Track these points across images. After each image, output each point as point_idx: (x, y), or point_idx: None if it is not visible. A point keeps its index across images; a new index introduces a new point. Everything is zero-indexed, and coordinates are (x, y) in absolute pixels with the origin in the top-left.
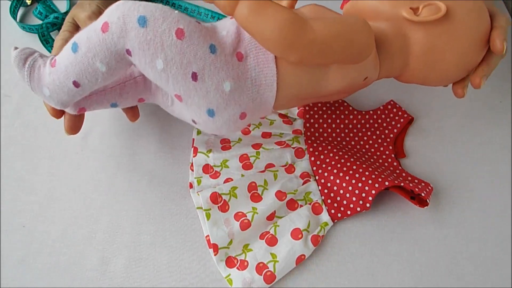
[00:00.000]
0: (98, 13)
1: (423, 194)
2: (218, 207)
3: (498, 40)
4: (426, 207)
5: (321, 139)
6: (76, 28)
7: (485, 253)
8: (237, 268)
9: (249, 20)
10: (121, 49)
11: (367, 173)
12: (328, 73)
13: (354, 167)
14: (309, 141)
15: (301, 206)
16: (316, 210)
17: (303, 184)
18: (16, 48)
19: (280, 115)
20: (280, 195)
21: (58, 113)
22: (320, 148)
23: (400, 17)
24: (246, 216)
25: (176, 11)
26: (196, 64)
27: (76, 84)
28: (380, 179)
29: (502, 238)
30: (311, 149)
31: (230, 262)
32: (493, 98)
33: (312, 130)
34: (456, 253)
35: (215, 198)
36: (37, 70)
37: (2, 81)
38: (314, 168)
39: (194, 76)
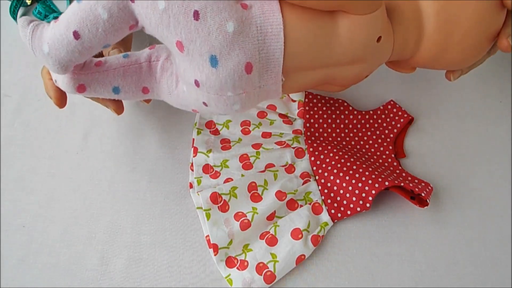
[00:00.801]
0: None
1: (423, 194)
2: (218, 207)
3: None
4: (426, 207)
5: (321, 139)
6: None
7: (485, 253)
8: (237, 268)
9: None
10: None
11: (367, 173)
12: (338, 30)
13: (354, 167)
14: (309, 141)
15: (301, 206)
16: (316, 210)
17: (303, 184)
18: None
19: (280, 115)
20: (280, 195)
21: (62, 101)
22: (320, 148)
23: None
24: (246, 216)
25: None
26: (198, 2)
27: (76, 34)
28: (380, 179)
29: (502, 238)
30: (311, 149)
31: (230, 262)
32: (493, 98)
33: (312, 130)
34: (456, 253)
35: (215, 198)
36: (40, 29)
37: (2, 81)
38: (314, 168)
39: (196, 15)
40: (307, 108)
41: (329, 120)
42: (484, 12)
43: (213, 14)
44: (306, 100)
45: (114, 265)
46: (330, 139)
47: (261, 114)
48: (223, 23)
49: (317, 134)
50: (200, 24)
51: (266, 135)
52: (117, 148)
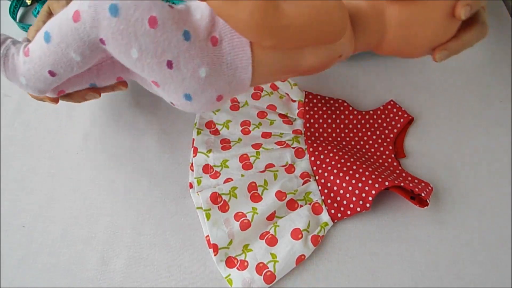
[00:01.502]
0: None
1: (423, 194)
2: (218, 207)
3: (461, 8)
4: (426, 207)
5: (321, 139)
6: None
7: (485, 253)
8: (237, 268)
9: (221, 6)
10: (94, 39)
11: (367, 173)
12: (303, 53)
13: (354, 167)
14: (309, 141)
15: (301, 206)
16: (316, 210)
17: (303, 184)
18: None
19: (280, 115)
20: (280, 195)
21: (55, 99)
22: (320, 148)
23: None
24: (246, 216)
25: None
26: (170, 53)
27: (51, 73)
28: (380, 179)
29: (502, 238)
30: (311, 149)
31: (230, 262)
32: (493, 98)
33: (312, 130)
34: (456, 253)
35: (215, 198)
36: (11, 59)
37: (2, 81)
38: (314, 168)
39: (170, 64)
40: (307, 108)
41: (329, 120)
42: (441, 30)
43: (186, 62)
44: (306, 100)
45: (114, 265)
46: (330, 139)
47: (261, 114)
48: (196, 70)
49: (317, 134)
50: (174, 72)
51: (266, 135)
52: (117, 148)
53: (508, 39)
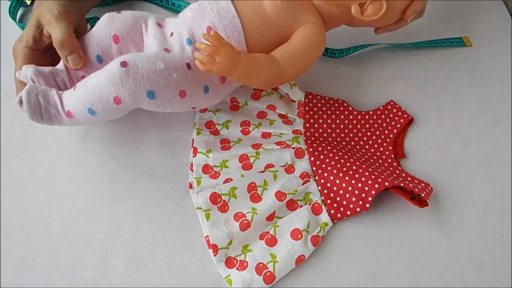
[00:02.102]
0: (65, 13)
1: (423, 195)
2: (217, 207)
3: (409, 15)
4: (426, 207)
5: (321, 139)
6: (39, 35)
7: (485, 253)
8: (237, 268)
9: (246, 79)
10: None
11: (367, 173)
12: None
13: (354, 167)
14: (309, 141)
15: (301, 206)
16: (315, 211)
17: (302, 184)
18: (21, 100)
19: (280, 115)
20: (279, 195)
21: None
22: (320, 148)
23: (350, 8)
24: (245, 217)
25: (175, 74)
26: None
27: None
28: (380, 180)
29: (502, 238)
30: (311, 149)
31: (229, 262)
32: (493, 98)
33: (312, 130)
34: (456, 253)
35: (214, 198)
36: (54, 119)
37: (2, 81)
38: (314, 168)
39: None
40: (307, 108)
41: (329, 120)
42: (392, 21)
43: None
44: (306, 100)
45: (114, 265)
46: (330, 139)
47: (261, 114)
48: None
49: (317, 134)
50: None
51: (266, 135)
52: (117, 148)
53: (508, 39)
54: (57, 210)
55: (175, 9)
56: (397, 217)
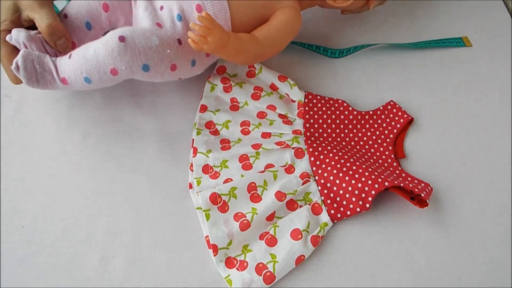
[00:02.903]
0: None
1: (422, 195)
2: (217, 207)
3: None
4: (426, 207)
5: (321, 139)
6: (17, 19)
7: (485, 254)
8: (237, 268)
9: (233, 56)
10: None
11: (366, 173)
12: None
13: (354, 167)
14: (309, 141)
15: (301, 206)
16: (315, 211)
17: (302, 184)
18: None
19: (280, 116)
20: (279, 195)
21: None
22: (320, 148)
23: None
24: (245, 217)
25: (168, 50)
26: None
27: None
28: (379, 180)
29: (502, 238)
30: (310, 149)
31: (229, 262)
32: (493, 98)
33: (312, 130)
34: (456, 254)
35: (214, 198)
36: (49, 84)
37: (2, 81)
38: (314, 168)
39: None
40: (306, 108)
41: (329, 121)
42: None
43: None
44: (306, 100)
45: (114, 265)
46: (330, 139)
47: (261, 114)
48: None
49: (316, 134)
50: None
51: (266, 135)
52: (117, 148)
53: (508, 39)
54: (57, 210)
55: None
56: (397, 217)
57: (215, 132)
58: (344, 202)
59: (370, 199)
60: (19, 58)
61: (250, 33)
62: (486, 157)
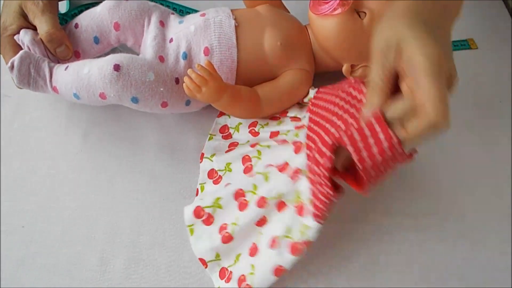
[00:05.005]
0: (49, 4)
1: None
2: (202, 221)
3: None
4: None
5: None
6: (24, 23)
7: (485, 254)
8: (225, 280)
9: (226, 109)
10: None
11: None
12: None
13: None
14: (311, 113)
15: (288, 207)
16: (301, 212)
17: (292, 182)
18: (11, 66)
19: (291, 118)
20: (261, 203)
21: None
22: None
23: (341, 65)
24: (226, 229)
25: (162, 88)
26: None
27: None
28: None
29: (502, 238)
30: (312, 123)
31: (222, 273)
32: (493, 98)
33: (316, 104)
34: (456, 254)
35: (198, 212)
36: (40, 88)
37: (2, 81)
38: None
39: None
40: (313, 100)
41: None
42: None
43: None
44: (316, 94)
45: (114, 265)
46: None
47: (271, 117)
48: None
49: (319, 104)
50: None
51: (274, 134)
52: (117, 148)
53: (508, 39)
54: (57, 210)
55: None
56: (397, 218)
57: (228, 136)
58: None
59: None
60: (16, 59)
61: (253, 87)
62: (486, 157)
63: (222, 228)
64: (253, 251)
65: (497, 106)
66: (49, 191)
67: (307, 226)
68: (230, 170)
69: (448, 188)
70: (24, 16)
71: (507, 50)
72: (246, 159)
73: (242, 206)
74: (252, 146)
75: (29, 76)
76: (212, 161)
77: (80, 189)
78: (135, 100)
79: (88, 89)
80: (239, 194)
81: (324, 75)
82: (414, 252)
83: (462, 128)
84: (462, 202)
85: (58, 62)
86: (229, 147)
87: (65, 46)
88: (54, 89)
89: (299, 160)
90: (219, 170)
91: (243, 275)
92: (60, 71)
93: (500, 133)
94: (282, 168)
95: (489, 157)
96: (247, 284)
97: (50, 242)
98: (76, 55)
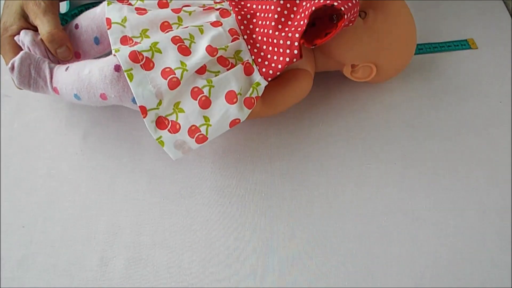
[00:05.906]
0: (50, 4)
1: (336, 4)
2: (140, 65)
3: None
4: (344, 15)
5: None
6: (25, 24)
7: (485, 253)
8: (169, 130)
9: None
10: None
11: (289, 22)
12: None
13: (283, 19)
14: (233, 3)
15: (232, 65)
16: (247, 71)
17: (232, 41)
18: (12, 67)
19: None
20: (211, 50)
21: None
22: (245, 9)
23: (343, 67)
24: (174, 74)
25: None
26: None
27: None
28: (302, 22)
29: (502, 238)
30: (236, 9)
31: (161, 123)
32: (493, 98)
33: None
34: (456, 254)
35: (135, 56)
36: (40, 89)
37: (2, 81)
38: (242, 27)
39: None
40: None
41: None
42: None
43: None
44: None
45: (114, 265)
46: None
47: (177, 11)
48: None
49: (242, 3)
50: None
51: (188, 6)
52: (117, 148)
53: (508, 39)
54: (57, 210)
55: None
56: (397, 217)
57: (128, 4)
58: (275, 57)
59: (296, 44)
60: (16, 59)
61: None
62: (486, 158)
63: (166, 72)
64: (205, 103)
65: (497, 106)
66: (49, 191)
67: (259, 83)
68: (147, 37)
69: (447, 189)
70: (24, 17)
71: (507, 50)
72: (165, 25)
73: (183, 50)
74: (174, 11)
75: (30, 77)
76: (124, 26)
77: (80, 189)
78: (135, 100)
79: (89, 90)
80: (176, 40)
81: (324, 75)
82: (414, 252)
83: (462, 128)
84: (461, 201)
85: (59, 63)
86: (136, 10)
87: (66, 47)
88: (55, 90)
89: (231, 22)
90: (134, 37)
91: (194, 125)
92: (60, 72)
93: (500, 133)
94: (214, 24)
95: (489, 157)
96: (202, 134)
97: (50, 242)
98: (76, 56)
